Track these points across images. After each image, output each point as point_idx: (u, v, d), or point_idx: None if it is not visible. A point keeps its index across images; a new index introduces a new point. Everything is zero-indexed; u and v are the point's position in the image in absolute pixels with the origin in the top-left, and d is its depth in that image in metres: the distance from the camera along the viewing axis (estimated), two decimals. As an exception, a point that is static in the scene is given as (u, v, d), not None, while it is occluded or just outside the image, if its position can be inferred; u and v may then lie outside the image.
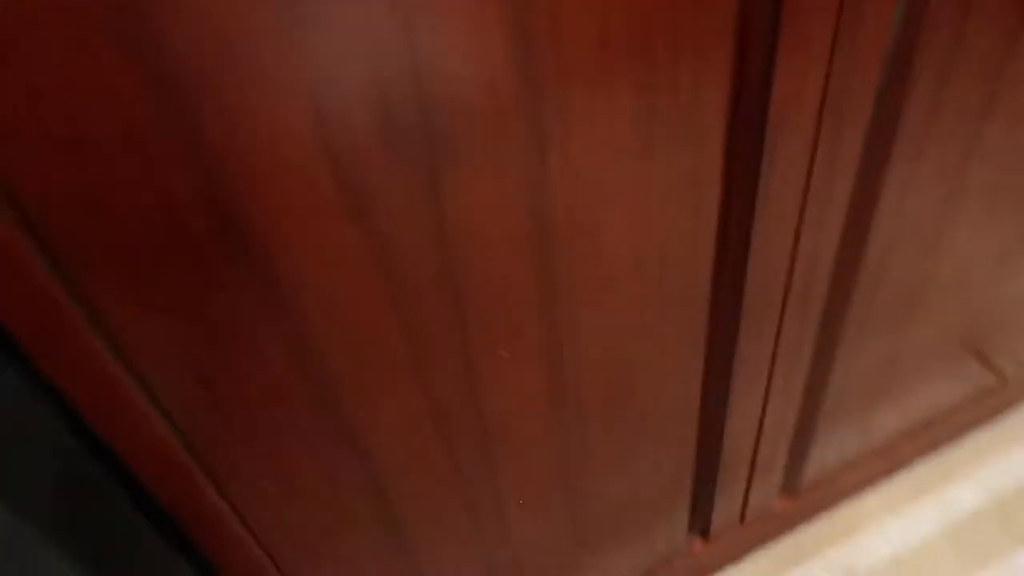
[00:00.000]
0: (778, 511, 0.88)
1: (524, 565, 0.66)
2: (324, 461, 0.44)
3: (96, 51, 0.26)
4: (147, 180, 0.30)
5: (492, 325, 0.44)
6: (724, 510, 0.80)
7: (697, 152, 0.43)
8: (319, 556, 0.50)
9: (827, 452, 0.83)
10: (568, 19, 0.34)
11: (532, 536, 0.63)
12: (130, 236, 0.31)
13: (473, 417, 0.49)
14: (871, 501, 0.96)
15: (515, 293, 0.43)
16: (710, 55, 0.39)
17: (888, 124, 0.50)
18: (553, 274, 0.44)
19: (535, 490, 0.58)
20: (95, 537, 0.41)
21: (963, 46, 0.47)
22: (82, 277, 0.31)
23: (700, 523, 0.83)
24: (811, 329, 0.63)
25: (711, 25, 0.38)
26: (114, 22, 0.26)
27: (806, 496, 0.89)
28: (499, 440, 0.51)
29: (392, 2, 0.30)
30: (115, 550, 0.42)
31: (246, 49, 0.28)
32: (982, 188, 0.60)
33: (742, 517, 0.84)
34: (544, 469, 0.57)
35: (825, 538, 0.93)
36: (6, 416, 0.35)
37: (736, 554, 0.91)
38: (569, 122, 0.37)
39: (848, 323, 0.64)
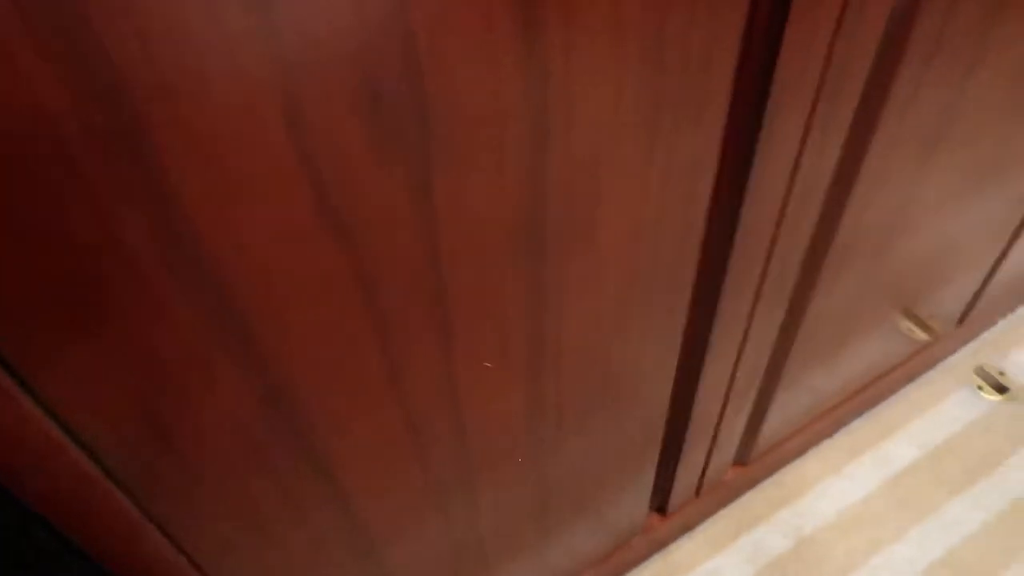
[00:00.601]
0: (729, 479, 0.88)
1: (489, 551, 0.62)
2: (291, 491, 0.38)
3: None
4: (82, 199, 0.23)
5: (472, 303, 0.39)
6: (683, 484, 0.79)
7: (700, 123, 0.39)
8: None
9: (777, 418, 0.83)
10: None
11: (499, 523, 0.59)
12: (54, 269, 0.24)
13: (450, 411, 0.44)
14: (813, 463, 0.97)
15: (499, 276, 0.38)
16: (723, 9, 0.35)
17: (880, 91, 0.47)
18: (543, 243, 0.39)
19: (507, 477, 0.55)
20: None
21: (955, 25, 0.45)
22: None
23: (659, 499, 0.82)
24: (784, 296, 0.61)
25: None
26: None
27: (754, 463, 0.89)
28: (474, 433, 0.47)
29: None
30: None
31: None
32: (951, 165, 0.59)
33: (698, 490, 0.84)
34: (517, 456, 0.53)
35: (773, 502, 0.94)
36: None
37: (689, 525, 0.90)
38: (574, 102, 0.32)
39: (816, 293, 0.63)
